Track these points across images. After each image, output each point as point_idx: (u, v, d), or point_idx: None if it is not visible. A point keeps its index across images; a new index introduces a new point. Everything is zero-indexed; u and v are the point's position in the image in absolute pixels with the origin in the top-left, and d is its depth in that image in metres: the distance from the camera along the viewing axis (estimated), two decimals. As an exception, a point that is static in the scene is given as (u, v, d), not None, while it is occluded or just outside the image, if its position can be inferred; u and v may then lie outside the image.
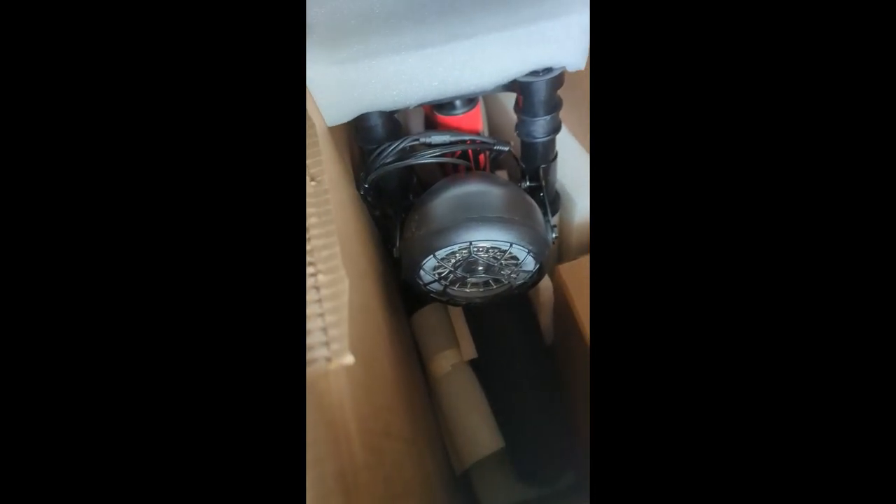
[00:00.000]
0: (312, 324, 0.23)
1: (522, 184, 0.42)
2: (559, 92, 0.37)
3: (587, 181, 0.45)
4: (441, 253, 0.36)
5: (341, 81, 0.34)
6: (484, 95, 0.42)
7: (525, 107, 0.37)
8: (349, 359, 0.22)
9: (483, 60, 0.34)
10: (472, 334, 0.49)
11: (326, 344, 0.22)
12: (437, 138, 0.39)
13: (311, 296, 0.23)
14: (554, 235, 0.39)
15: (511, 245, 0.35)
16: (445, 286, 0.40)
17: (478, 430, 0.47)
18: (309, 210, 0.26)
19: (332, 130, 0.37)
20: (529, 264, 0.38)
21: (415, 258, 0.36)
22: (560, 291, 0.43)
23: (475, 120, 0.41)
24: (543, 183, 0.41)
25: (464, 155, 0.42)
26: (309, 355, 0.22)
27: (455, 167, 0.43)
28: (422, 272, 0.38)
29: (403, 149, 0.38)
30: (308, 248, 0.25)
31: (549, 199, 0.41)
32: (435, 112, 0.40)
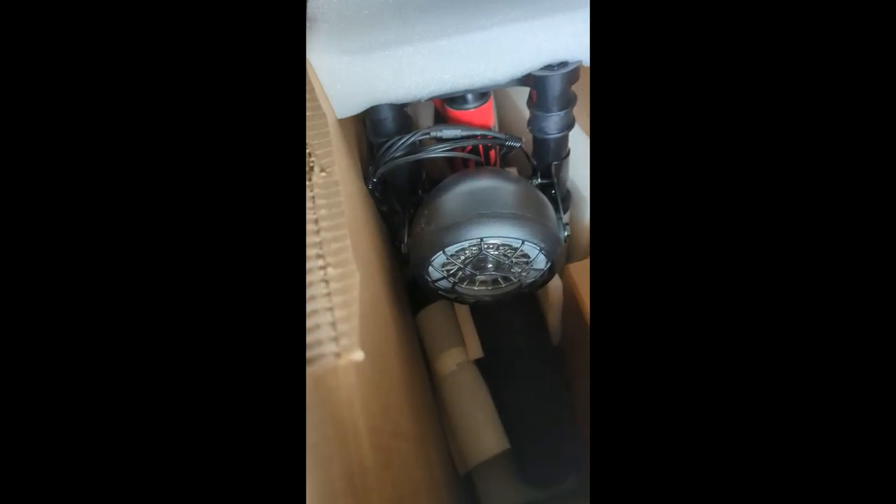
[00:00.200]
0: (322, 318, 0.22)
1: (534, 181, 0.41)
2: (573, 87, 0.36)
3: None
4: (451, 249, 0.35)
5: (352, 72, 0.33)
6: (496, 90, 0.41)
7: (539, 101, 0.37)
8: (359, 354, 0.21)
9: (497, 53, 0.33)
10: (478, 333, 0.48)
11: (336, 339, 0.22)
12: (447, 132, 0.38)
13: (320, 289, 0.23)
14: (566, 233, 0.38)
15: (523, 242, 0.35)
16: (454, 283, 0.39)
17: (482, 430, 0.46)
18: (319, 202, 0.25)
19: (342, 124, 0.36)
20: (540, 262, 0.37)
21: (423, 254, 0.36)
22: (569, 291, 0.42)
23: (487, 115, 0.40)
24: (555, 180, 0.40)
25: (474, 150, 0.41)
26: (318, 350, 0.21)
27: (464, 162, 0.42)
28: (430, 269, 0.37)
29: (413, 143, 0.37)
30: (317, 240, 0.24)
31: (561, 197, 0.41)
32: (446, 106, 0.40)
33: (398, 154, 0.37)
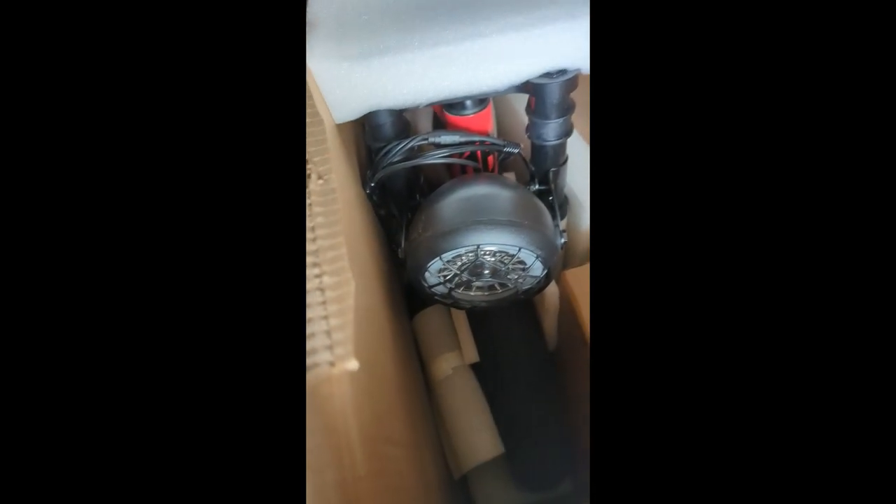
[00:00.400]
0: (316, 326, 0.22)
1: (531, 187, 0.41)
2: (572, 95, 0.36)
3: (597, 186, 0.44)
4: (447, 255, 0.35)
5: (351, 78, 0.33)
6: (495, 96, 0.41)
7: (537, 109, 0.37)
8: (353, 364, 0.21)
9: (496, 60, 0.33)
10: (474, 337, 0.48)
11: (330, 348, 0.22)
12: (446, 138, 0.38)
13: (315, 297, 0.23)
14: (563, 241, 0.38)
15: (520, 250, 0.35)
16: (450, 289, 0.39)
17: (477, 434, 0.46)
18: (315, 209, 0.25)
19: (341, 128, 0.36)
20: (537, 269, 0.37)
21: (420, 260, 0.36)
22: (566, 297, 0.42)
23: (485, 121, 0.40)
24: (553, 187, 0.40)
25: (472, 156, 0.41)
26: (312, 359, 0.21)
27: (463, 168, 0.42)
28: (427, 274, 0.37)
29: (411, 148, 0.37)
30: (314, 248, 0.24)
31: (558, 204, 0.41)
32: (445, 112, 0.40)
33: (396, 159, 0.37)
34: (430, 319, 0.50)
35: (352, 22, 0.33)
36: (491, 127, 0.42)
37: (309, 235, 0.24)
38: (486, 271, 0.37)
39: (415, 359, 0.48)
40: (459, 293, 0.40)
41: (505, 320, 0.48)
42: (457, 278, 0.38)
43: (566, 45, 0.33)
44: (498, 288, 0.40)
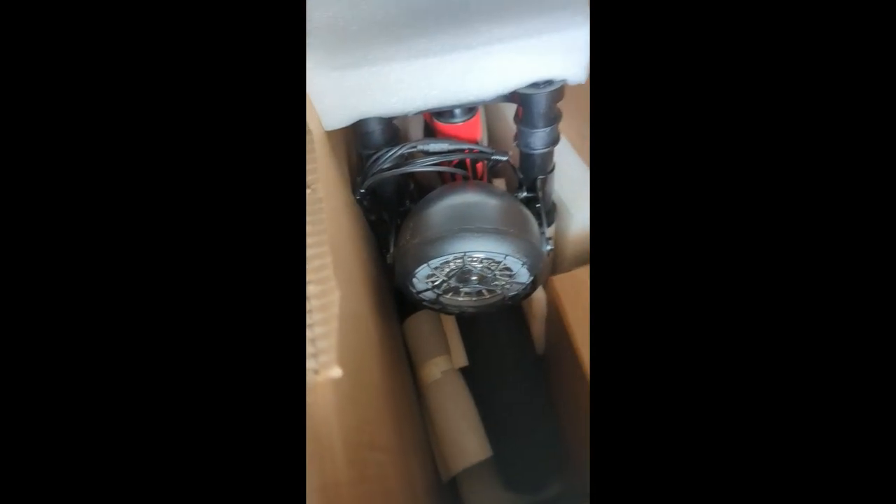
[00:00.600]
0: (301, 335, 0.22)
1: (519, 194, 0.42)
2: (559, 104, 0.37)
3: (585, 193, 0.45)
4: (435, 262, 0.35)
5: (341, 87, 0.34)
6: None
7: (524, 118, 0.37)
8: (337, 372, 0.22)
9: (484, 71, 0.34)
10: (463, 342, 0.49)
11: (314, 356, 0.22)
12: (435, 146, 0.39)
13: (300, 306, 0.23)
14: (549, 248, 0.39)
15: (506, 257, 0.35)
16: (438, 295, 0.40)
17: (466, 437, 0.47)
18: (302, 219, 0.26)
19: (331, 134, 0.37)
20: (523, 276, 0.38)
21: (408, 266, 0.36)
22: (553, 303, 0.42)
23: (474, 129, 0.41)
24: (540, 194, 0.41)
25: (461, 164, 0.42)
26: (296, 367, 0.22)
27: (453, 175, 0.43)
28: (414, 280, 0.38)
29: (401, 155, 0.38)
30: (300, 257, 0.25)
31: (546, 211, 0.41)
32: (434, 119, 0.40)
33: (385, 166, 0.38)
34: (420, 324, 0.50)
35: (342, 32, 0.33)
36: (480, 135, 0.43)
37: (295, 245, 0.25)
38: (474, 277, 0.38)
39: (404, 363, 0.49)
40: (447, 299, 0.40)
41: (493, 325, 0.49)
42: (445, 284, 0.38)
43: (552, 56, 0.33)
44: (485, 294, 0.40)
